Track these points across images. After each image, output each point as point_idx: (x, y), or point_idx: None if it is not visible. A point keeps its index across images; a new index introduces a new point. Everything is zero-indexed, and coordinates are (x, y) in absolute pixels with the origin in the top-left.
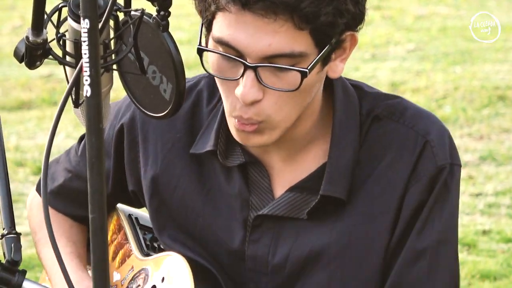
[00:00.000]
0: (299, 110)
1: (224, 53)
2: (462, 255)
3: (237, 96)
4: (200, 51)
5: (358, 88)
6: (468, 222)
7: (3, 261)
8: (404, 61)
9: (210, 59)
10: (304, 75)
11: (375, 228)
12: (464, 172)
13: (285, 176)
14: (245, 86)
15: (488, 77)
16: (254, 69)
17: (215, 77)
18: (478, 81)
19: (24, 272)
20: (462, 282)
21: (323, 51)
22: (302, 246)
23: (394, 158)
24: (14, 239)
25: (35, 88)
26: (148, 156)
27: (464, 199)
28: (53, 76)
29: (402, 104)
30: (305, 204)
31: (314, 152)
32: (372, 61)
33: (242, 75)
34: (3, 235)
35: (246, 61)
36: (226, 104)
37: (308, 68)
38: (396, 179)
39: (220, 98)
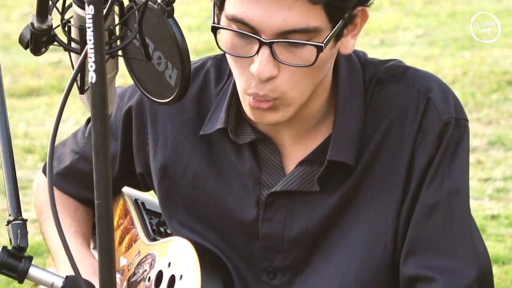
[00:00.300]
0: (312, 86)
1: (239, 30)
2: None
3: (253, 73)
4: (214, 29)
5: (360, 57)
6: (477, 207)
7: (9, 247)
8: (413, 46)
9: (223, 37)
10: (320, 49)
11: (387, 190)
12: (473, 157)
13: (295, 152)
14: (261, 63)
15: (497, 62)
16: (270, 45)
17: (227, 56)
18: (487, 66)
19: (30, 258)
20: None
21: (337, 25)
22: (318, 217)
23: (399, 119)
24: (20, 225)
25: (44, 74)
26: (157, 139)
27: (472, 184)
28: (62, 62)
29: (402, 65)
30: (316, 176)
31: (323, 128)
32: (380, 46)
33: (257, 52)
34: (9, 221)
35: (261, 37)
36: (240, 82)
37: (324, 42)
38: (403, 139)
39: (228, 78)
